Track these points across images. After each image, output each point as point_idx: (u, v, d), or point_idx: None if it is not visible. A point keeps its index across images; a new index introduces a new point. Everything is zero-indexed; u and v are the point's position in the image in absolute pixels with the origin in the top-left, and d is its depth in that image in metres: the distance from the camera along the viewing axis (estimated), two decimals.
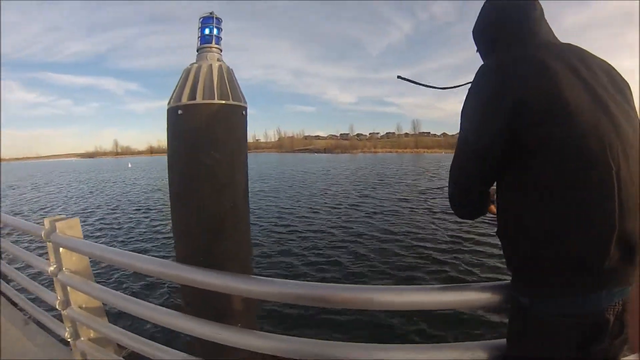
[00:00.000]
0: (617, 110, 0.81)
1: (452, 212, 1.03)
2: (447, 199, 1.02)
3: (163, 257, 5.91)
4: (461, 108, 0.94)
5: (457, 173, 0.95)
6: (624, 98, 0.85)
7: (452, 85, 1.22)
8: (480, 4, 1.07)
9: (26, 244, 6.67)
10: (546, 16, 0.99)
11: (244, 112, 1.68)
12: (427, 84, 1.29)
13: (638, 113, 0.86)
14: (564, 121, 0.77)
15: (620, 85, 0.88)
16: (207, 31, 1.71)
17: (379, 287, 1.05)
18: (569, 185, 0.77)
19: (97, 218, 10.84)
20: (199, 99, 1.52)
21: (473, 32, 1.12)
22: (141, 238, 8.12)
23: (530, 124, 0.79)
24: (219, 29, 1.73)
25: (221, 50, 1.73)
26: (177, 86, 1.59)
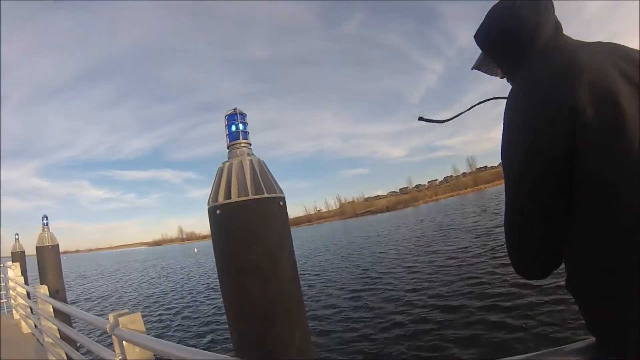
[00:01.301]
0: None
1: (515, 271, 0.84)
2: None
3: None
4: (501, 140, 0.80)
5: (511, 215, 0.80)
6: None
7: (470, 107, 1.08)
8: None
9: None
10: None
11: (281, 203, 1.66)
12: (446, 119, 1.11)
13: None
14: (623, 133, 0.64)
15: None
16: (233, 128, 1.76)
17: None
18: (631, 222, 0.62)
19: (165, 306, 11.76)
20: (234, 197, 1.53)
21: (481, 40, 0.95)
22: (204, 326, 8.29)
23: (589, 138, 0.66)
24: (245, 124, 1.77)
25: (250, 144, 1.77)
26: (213, 186, 1.63)
